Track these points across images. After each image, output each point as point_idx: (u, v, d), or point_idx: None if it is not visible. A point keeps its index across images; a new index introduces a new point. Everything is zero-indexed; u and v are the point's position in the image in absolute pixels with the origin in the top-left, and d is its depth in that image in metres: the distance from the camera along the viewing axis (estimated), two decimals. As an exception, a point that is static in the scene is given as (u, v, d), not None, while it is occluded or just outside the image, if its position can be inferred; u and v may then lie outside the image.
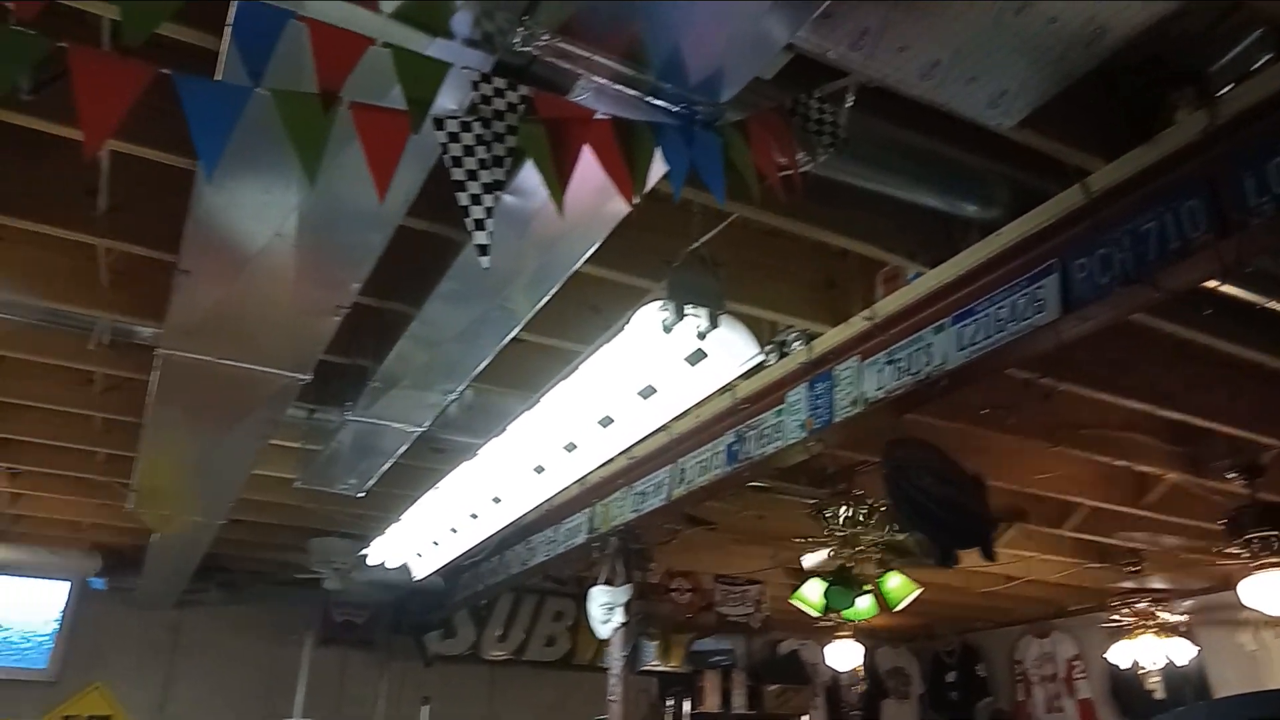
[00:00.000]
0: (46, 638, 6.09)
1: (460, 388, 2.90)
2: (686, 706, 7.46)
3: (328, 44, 1.38)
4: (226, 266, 2.12)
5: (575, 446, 3.06)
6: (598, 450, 3.06)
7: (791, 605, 5.43)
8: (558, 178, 1.53)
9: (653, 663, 7.05)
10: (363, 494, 3.97)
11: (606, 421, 2.82)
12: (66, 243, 2.81)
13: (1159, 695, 5.67)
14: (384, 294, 2.72)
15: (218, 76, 1.59)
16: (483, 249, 1.49)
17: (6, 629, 6.02)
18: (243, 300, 2.28)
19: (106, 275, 2.91)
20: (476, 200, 1.48)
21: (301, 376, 2.69)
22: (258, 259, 2.07)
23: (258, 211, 1.93)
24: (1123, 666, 5.91)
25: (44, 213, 2.57)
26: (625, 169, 1.57)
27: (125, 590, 5.98)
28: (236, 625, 6.46)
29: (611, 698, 3.99)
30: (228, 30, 1.49)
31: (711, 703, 7.69)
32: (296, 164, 1.75)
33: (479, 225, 1.48)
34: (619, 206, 2.05)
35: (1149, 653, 5.64)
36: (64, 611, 6.14)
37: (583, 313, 3.12)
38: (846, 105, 1.92)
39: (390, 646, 6.83)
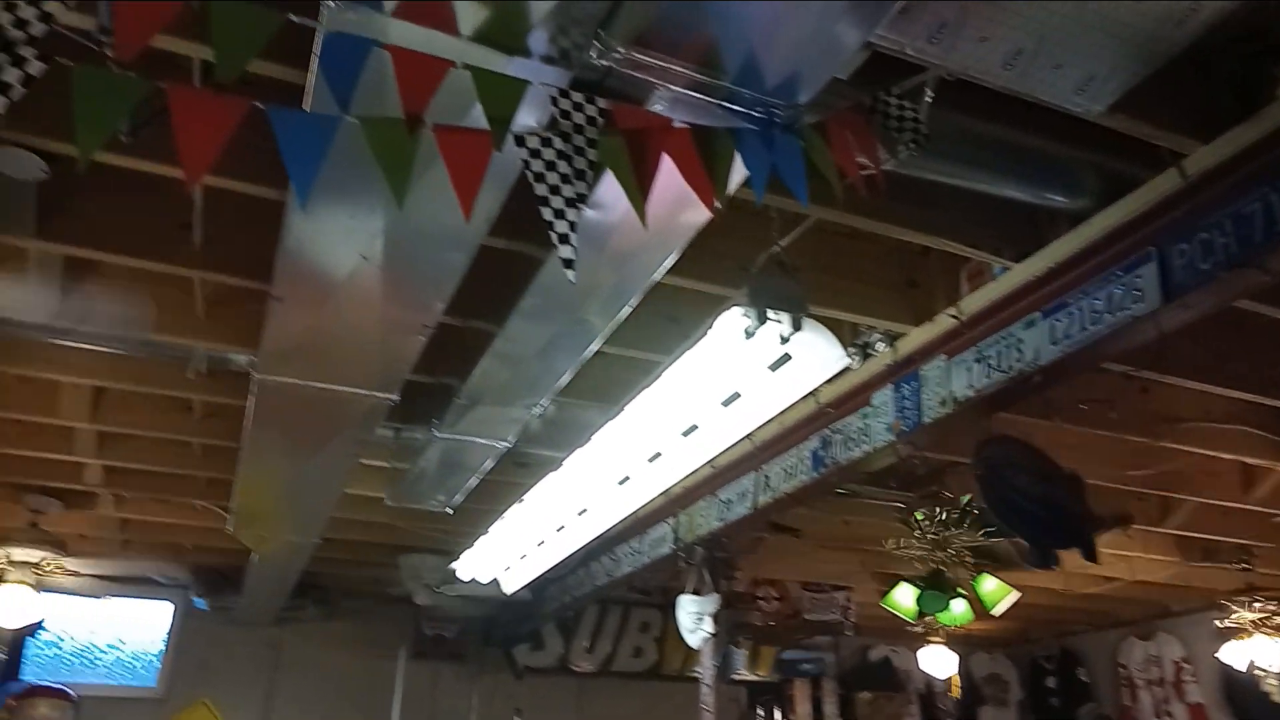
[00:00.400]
0: (155, 656, 6.34)
1: (543, 402, 2.93)
2: (777, 716, 7.38)
3: (410, 69, 1.41)
4: (316, 292, 2.18)
5: (659, 456, 3.06)
6: (682, 460, 3.05)
7: (881, 610, 5.34)
8: (639, 189, 1.53)
9: (741, 671, 6.98)
10: (451, 510, 4.03)
11: (690, 430, 2.82)
12: (164, 276, 2.93)
13: (1278, 698, 5.40)
14: (465, 313, 2.76)
15: (305, 108, 1.64)
16: (568, 263, 1.50)
17: (119, 648, 6.29)
18: (332, 324, 2.34)
19: (202, 306, 3.01)
20: (560, 215, 1.50)
21: (389, 396, 2.75)
22: (346, 283, 2.12)
23: (345, 237, 1.98)
24: (1237, 668, 5.64)
25: (142, 249, 2.68)
26: (705, 176, 1.57)
27: (226, 609, 6.19)
28: (333, 641, 6.62)
29: (704, 707, 3.97)
30: (314, 61, 1.53)
31: (802, 711, 7.58)
32: (382, 188, 1.80)
33: (563, 240, 1.49)
34: (697, 216, 2.05)
35: (1266, 654, 5.37)
36: (170, 631, 6.39)
37: (660, 323, 3.12)
38: (926, 100, 1.89)
39: (480, 659, 6.92)
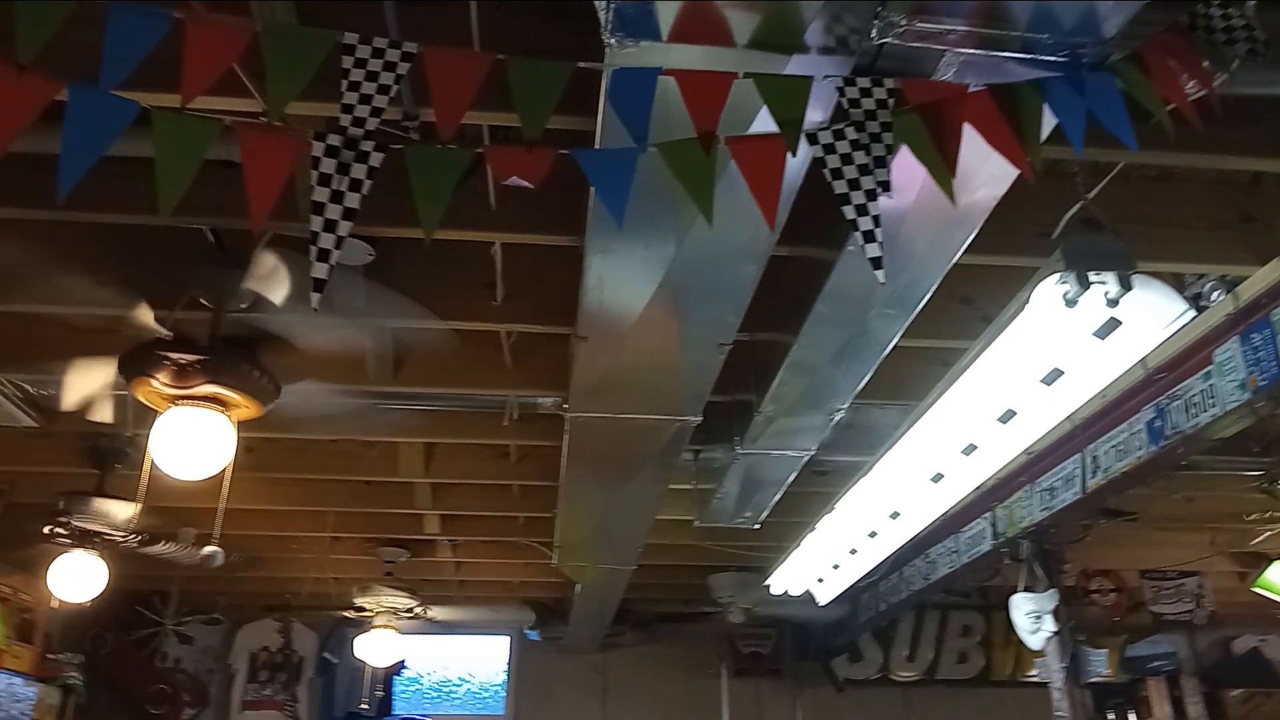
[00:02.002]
0: (499, 686, 6.86)
1: (844, 406, 2.86)
2: (1132, 719, 6.71)
3: (696, 89, 1.42)
4: (618, 325, 2.26)
5: (975, 448, 2.88)
6: (1000, 449, 2.86)
7: (1244, 596, 4.72)
8: (944, 165, 1.45)
9: (1104, 673, 6.43)
10: (758, 526, 4.04)
11: (1008, 416, 2.63)
12: (474, 333, 3.18)
13: None
14: (755, 326, 2.76)
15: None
16: (876, 261, 1.44)
17: (468, 681, 6.87)
18: (635, 354, 2.41)
19: (509, 356, 3.23)
20: (863, 210, 1.44)
21: (693, 418, 2.80)
22: (645, 312, 2.18)
23: (641, 268, 2.04)
24: None
25: (453, 311, 2.91)
26: (1014, 138, 1.46)
27: (555, 639, 6.59)
28: (653, 664, 6.84)
29: (1058, 714, 3.67)
30: (601, 102, 1.59)
31: (1160, 713, 6.81)
32: (673, 214, 1.84)
33: (869, 237, 1.44)
34: (996, 187, 1.92)
35: None
36: (509, 662, 6.89)
37: (953, 307, 2.96)
38: (1250, 1, 1.65)
39: (799, 674, 6.86)
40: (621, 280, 2.10)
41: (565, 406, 3.05)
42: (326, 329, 2.68)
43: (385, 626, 5.51)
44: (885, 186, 1.45)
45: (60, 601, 4.04)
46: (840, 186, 1.45)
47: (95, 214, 2.43)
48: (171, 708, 6.08)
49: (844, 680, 6.79)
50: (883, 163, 1.45)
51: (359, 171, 1.35)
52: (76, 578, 3.85)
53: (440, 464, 4.15)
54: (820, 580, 4.63)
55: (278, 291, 2.62)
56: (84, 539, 3.76)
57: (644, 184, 1.82)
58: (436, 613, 5.78)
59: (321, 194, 1.32)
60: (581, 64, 1.43)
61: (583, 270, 2.09)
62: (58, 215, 2.44)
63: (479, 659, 6.91)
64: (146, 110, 1.30)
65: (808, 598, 4.95)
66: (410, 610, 5.44)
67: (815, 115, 1.52)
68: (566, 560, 4.48)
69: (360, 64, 1.38)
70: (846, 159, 1.45)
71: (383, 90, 1.37)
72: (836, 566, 4.40)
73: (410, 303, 2.63)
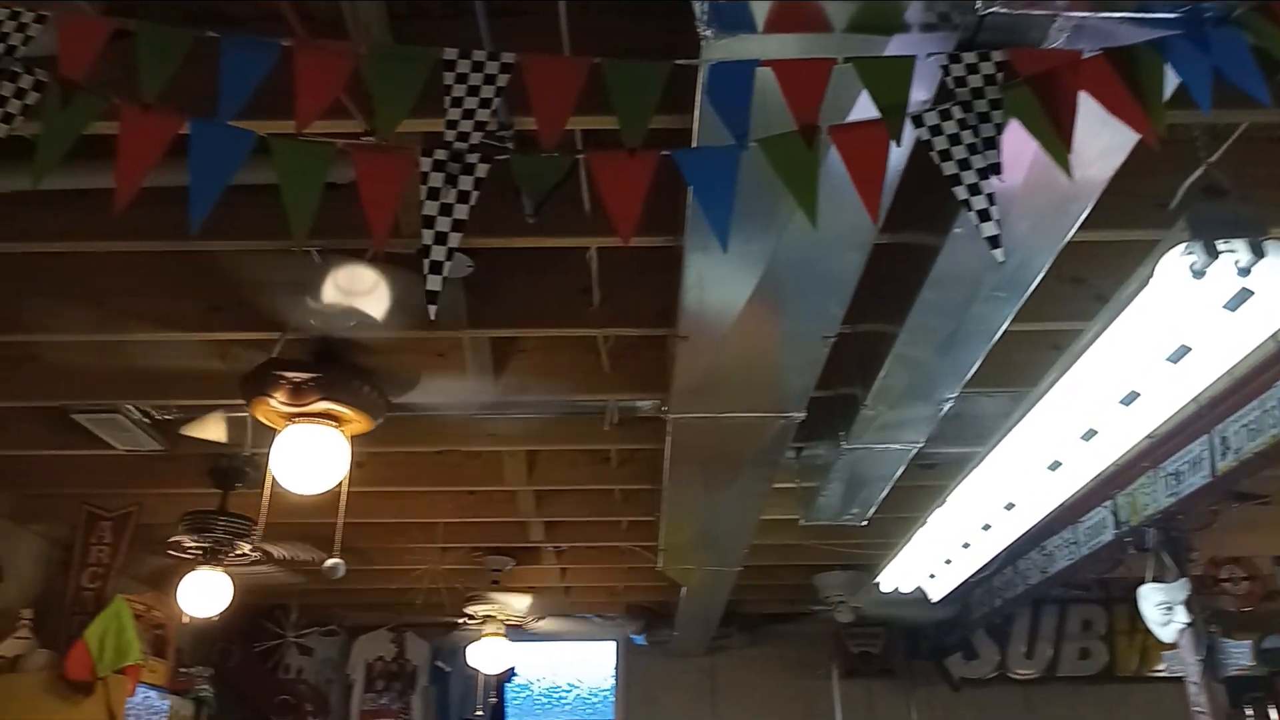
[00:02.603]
0: (608, 692, 6.89)
1: (953, 395, 2.78)
2: (1273, 715, 6.34)
3: (794, 79, 1.39)
4: (719, 323, 2.24)
5: (1095, 433, 2.76)
6: (1123, 432, 2.73)
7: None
8: (1058, 138, 1.39)
9: (1250, 665, 6.11)
10: (865, 522, 3.96)
11: (1131, 398, 2.51)
12: (572, 340, 3.20)
13: None
14: (857, 318, 2.70)
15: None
16: (994, 240, 1.39)
17: (577, 687, 6.93)
18: (737, 352, 2.39)
19: (607, 361, 3.24)
20: (975, 190, 1.39)
21: (797, 415, 2.75)
22: (746, 308, 2.16)
23: (741, 263, 2.02)
24: None
25: (551, 319, 2.93)
26: (1137, 104, 1.38)
27: (662, 643, 6.58)
28: (761, 666, 6.77)
29: (1196, 710, 3.50)
30: (698, 99, 1.57)
31: (1308, 708, 6.45)
32: (773, 207, 1.81)
33: (984, 216, 1.39)
34: (1109, 161, 1.83)
35: None
36: (616, 668, 6.92)
37: (1062, 287, 2.84)
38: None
39: (912, 673, 6.71)
40: (722, 277, 2.08)
41: (664, 409, 3.05)
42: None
43: (495, 634, 5.59)
44: (996, 169, 1.39)
45: (190, 617, 4.22)
46: (950, 168, 1.40)
47: (206, 243, 2.52)
48: (296, 717, 6.29)
49: (960, 679, 6.61)
50: (993, 143, 1.40)
51: (466, 184, 1.36)
52: (204, 594, 4.02)
53: (542, 471, 4.19)
54: (932, 576, 4.51)
55: (379, 306, 2.68)
56: (209, 556, 3.92)
57: (742, 177, 1.80)
58: (544, 620, 5.84)
59: (431, 208, 1.34)
60: (679, 61, 1.42)
61: (682, 269, 2.07)
62: (160, 246, 2.54)
63: (586, 665, 6.96)
64: (260, 139, 1.35)
65: (919, 595, 4.83)
66: (518, 618, 5.51)
67: (919, 95, 1.47)
68: (671, 563, 4.47)
69: (461, 79, 1.39)
70: (955, 139, 1.40)
71: (484, 103, 1.39)
72: (949, 562, 4.28)
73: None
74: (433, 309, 1.30)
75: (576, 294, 2.88)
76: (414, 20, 2.06)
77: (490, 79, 1.39)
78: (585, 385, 3.31)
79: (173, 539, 3.93)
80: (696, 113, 1.60)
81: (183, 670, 5.38)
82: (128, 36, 1.37)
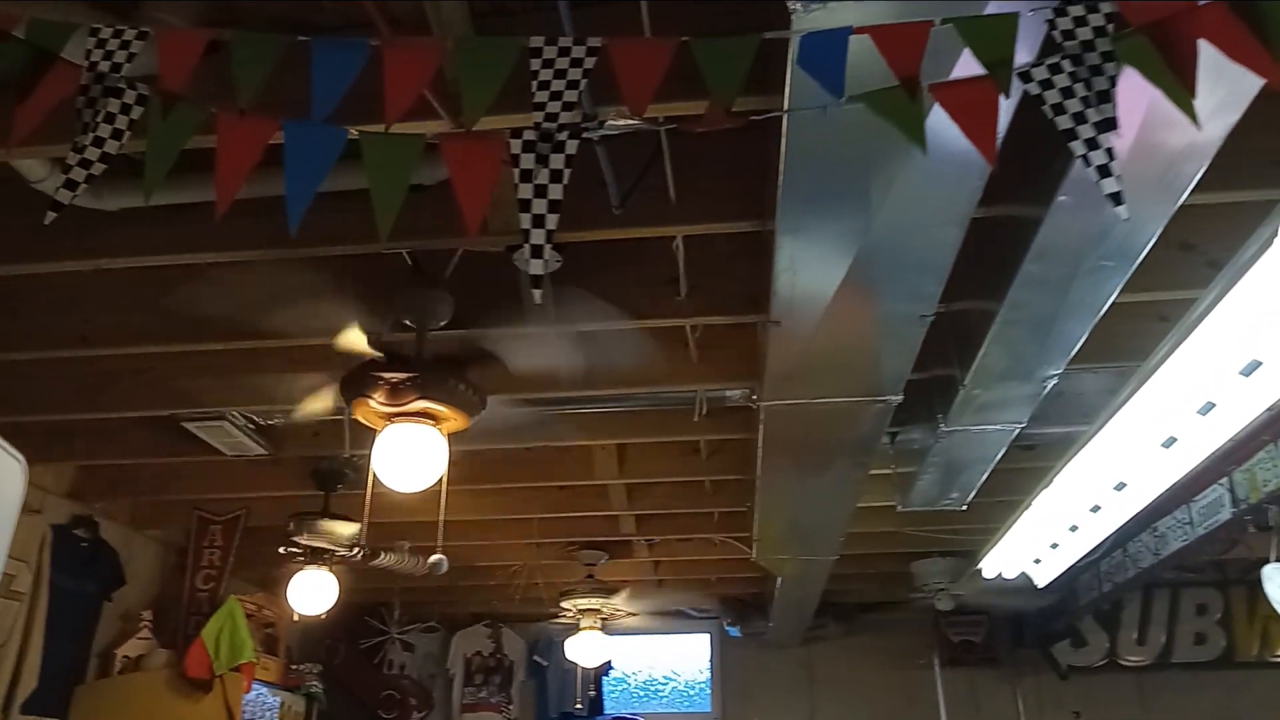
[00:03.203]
0: (704, 684, 6.88)
1: (1058, 372, 2.67)
2: None
3: (892, 44, 1.35)
4: (812, 306, 2.20)
5: (1213, 406, 2.62)
6: (1242, 405, 2.59)
7: None
8: (1182, 86, 1.31)
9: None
10: (965, 507, 3.86)
11: (1251, 368, 2.38)
12: (659, 331, 3.19)
13: None
14: (951, 296, 2.62)
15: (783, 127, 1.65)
16: (1116, 197, 1.32)
17: (674, 679, 6.93)
18: (831, 335, 2.34)
19: (695, 351, 3.22)
20: (1093, 144, 1.32)
21: (894, 398, 2.69)
22: (840, 290, 2.11)
23: (834, 244, 1.97)
24: None
25: (639, 309, 2.92)
26: (1263, 49, 1.30)
27: (757, 634, 6.54)
28: (858, 656, 6.67)
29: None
30: (787, 76, 1.54)
31: None
32: (866, 182, 1.76)
33: (1104, 172, 1.31)
34: (1225, 117, 1.73)
35: None
36: (711, 660, 6.90)
37: (1170, 254, 2.71)
38: None
39: (1017, 662, 6.52)
40: (814, 258, 2.04)
41: (754, 397, 3.01)
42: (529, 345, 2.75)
43: (591, 628, 5.63)
44: (1112, 124, 1.32)
45: (299, 615, 4.35)
46: (1064, 122, 1.33)
47: (309, 248, 2.58)
48: (401, 712, 6.44)
49: (1067, 667, 6.40)
50: (1106, 97, 1.33)
51: (558, 162, 1.36)
52: (312, 592, 4.14)
53: (633, 464, 4.19)
54: (1038, 561, 4.37)
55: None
56: (315, 556, 4.04)
57: (833, 155, 1.76)
58: (638, 612, 5.85)
59: (526, 190, 1.34)
60: (768, 34, 1.39)
61: (773, 252, 2.04)
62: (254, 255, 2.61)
63: (682, 657, 6.96)
64: (350, 142, 1.37)
65: (1023, 581, 4.68)
66: (612, 612, 5.54)
67: (1021, 56, 1.41)
68: (766, 554, 4.43)
69: (548, 64, 1.39)
70: (1067, 93, 1.33)
71: (572, 85, 1.38)
72: (1055, 546, 4.13)
73: (605, 305, 2.66)
74: (536, 294, 1.30)
75: (663, 285, 2.86)
76: (495, 18, 2.07)
77: (577, 63, 1.38)
78: (674, 376, 3.29)
79: (280, 541, 4.06)
80: (787, 86, 1.56)
81: (293, 667, 5.56)
82: (220, 50, 1.41)
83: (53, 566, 3.97)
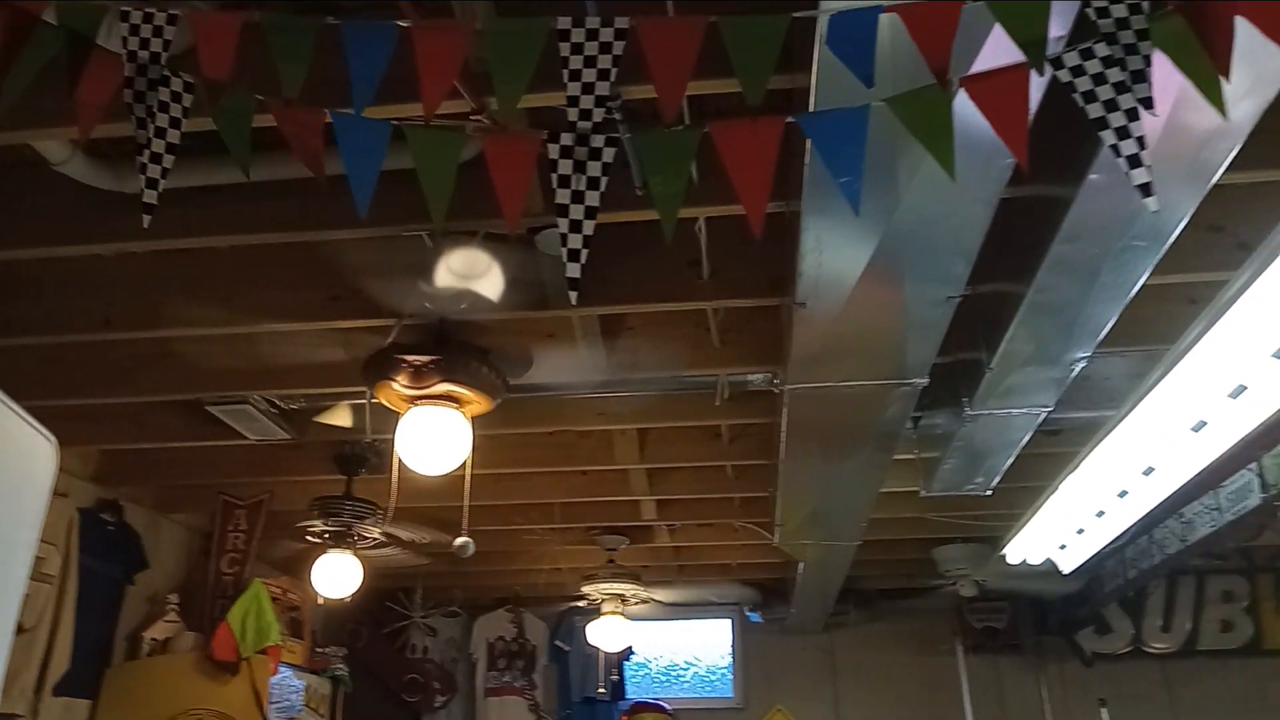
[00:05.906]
0: (726, 669, 6.89)
1: (1086, 355, 2.65)
2: None
3: (923, 24, 1.33)
4: (838, 287, 2.18)
5: (1244, 389, 2.59)
6: (1276, 389, 2.55)
7: None
8: (1212, 71, 1.28)
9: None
10: (989, 492, 3.83)
11: (1286, 350, 2.35)
12: (681, 315, 3.18)
13: None
14: (979, 278, 2.60)
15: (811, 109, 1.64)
16: (1145, 188, 1.30)
17: (695, 664, 6.95)
18: (857, 317, 2.32)
19: (716, 335, 3.21)
20: (1124, 133, 1.30)
21: (920, 381, 2.67)
22: (867, 271, 2.10)
23: (861, 224, 1.95)
24: None
25: (660, 294, 2.90)
26: (1306, 23, 1.27)
27: (778, 620, 6.55)
28: (883, 641, 6.67)
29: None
30: (816, 52, 1.52)
31: None
32: (893, 163, 1.74)
33: (1134, 162, 1.30)
34: (1262, 95, 1.70)
35: None
36: (733, 645, 6.91)
37: (1200, 236, 2.67)
38: None
39: (1040, 649, 6.50)
40: (841, 239, 2.02)
41: (776, 381, 3.00)
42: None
43: (613, 613, 5.65)
44: (1148, 103, 1.30)
45: (323, 599, 4.39)
46: (1095, 110, 1.31)
47: (320, 233, 2.58)
48: (425, 695, 6.50)
49: (1092, 654, 6.37)
50: (1141, 76, 1.30)
51: (594, 169, 1.36)
52: (336, 576, 4.17)
53: (654, 449, 4.19)
54: (1063, 547, 4.34)
55: (492, 286, 2.71)
56: (339, 540, 4.06)
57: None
58: (659, 597, 5.87)
59: (563, 195, 1.34)
60: (797, 14, 1.37)
61: (799, 233, 2.02)
62: (277, 238, 2.61)
63: (703, 643, 6.98)
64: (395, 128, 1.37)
65: (1048, 567, 4.65)
66: (634, 597, 5.55)
67: (1053, 34, 1.39)
68: (788, 539, 4.42)
69: (577, 49, 1.38)
70: (1099, 78, 1.31)
71: (603, 75, 1.37)
72: (1081, 531, 4.10)
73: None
74: (573, 295, 1.31)
75: (686, 267, 2.85)
76: (518, 0, 2.06)
77: (606, 47, 1.37)
78: (696, 360, 3.28)
79: (302, 524, 4.09)
80: (815, 67, 1.54)
81: (319, 650, 5.61)
82: (248, 32, 1.41)
83: (80, 550, 4.02)
